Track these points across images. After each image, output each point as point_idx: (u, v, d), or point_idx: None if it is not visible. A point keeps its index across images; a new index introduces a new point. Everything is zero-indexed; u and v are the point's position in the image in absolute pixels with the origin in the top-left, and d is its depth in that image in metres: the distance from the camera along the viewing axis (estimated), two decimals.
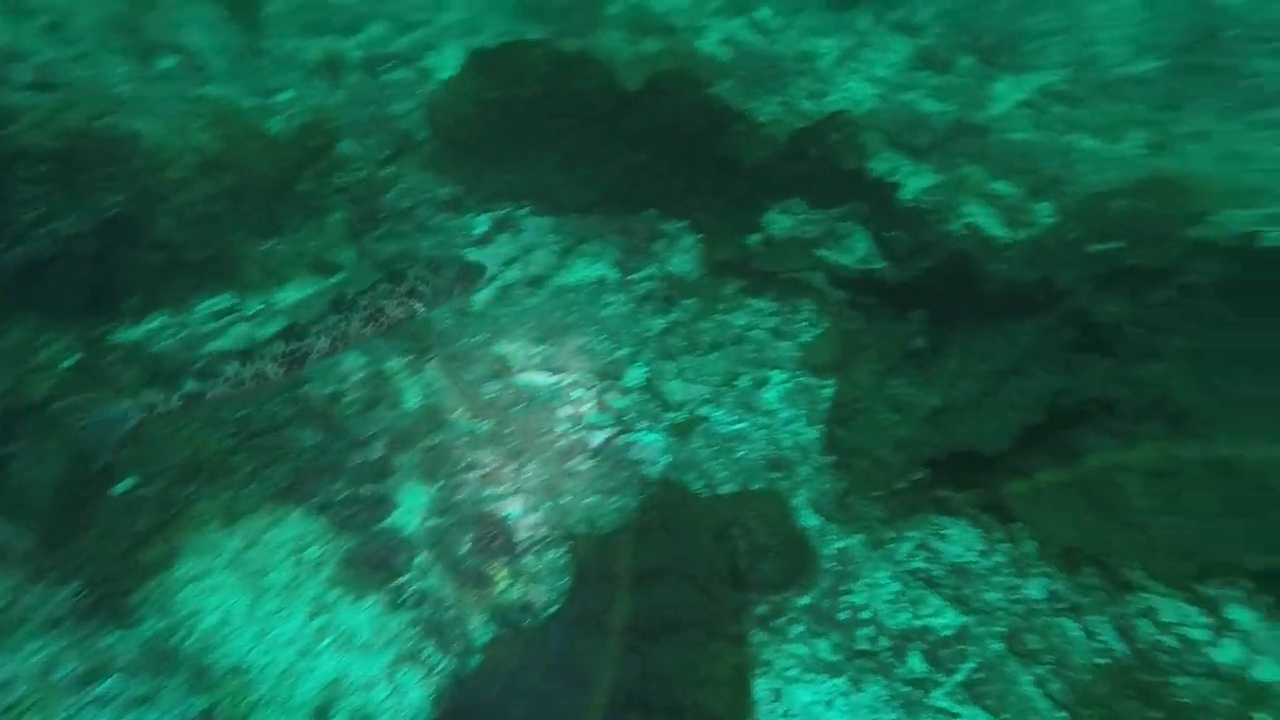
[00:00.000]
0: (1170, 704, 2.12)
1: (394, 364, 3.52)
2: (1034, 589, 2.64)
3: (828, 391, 3.49)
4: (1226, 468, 2.69)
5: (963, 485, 2.96)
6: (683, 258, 4.14)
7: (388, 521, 2.96)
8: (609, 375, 3.51)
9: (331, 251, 3.91)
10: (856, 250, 4.38)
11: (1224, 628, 2.35)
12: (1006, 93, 5.18)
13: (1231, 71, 4.42)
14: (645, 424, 3.34)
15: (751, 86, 5.54)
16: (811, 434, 3.36)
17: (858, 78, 5.67)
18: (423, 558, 2.87)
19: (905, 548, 2.89)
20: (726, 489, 3.09)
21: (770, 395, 3.54)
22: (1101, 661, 2.37)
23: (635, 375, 3.55)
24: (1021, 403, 3.08)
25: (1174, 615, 2.42)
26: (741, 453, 3.29)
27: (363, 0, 6.11)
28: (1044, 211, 4.51)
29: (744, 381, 3.60)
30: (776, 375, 3.63)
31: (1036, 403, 3.05)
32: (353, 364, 3.38)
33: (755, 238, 4.34)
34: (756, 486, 3.12)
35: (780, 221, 4.47)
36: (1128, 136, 4.49)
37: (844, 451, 3.26)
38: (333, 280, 3.85)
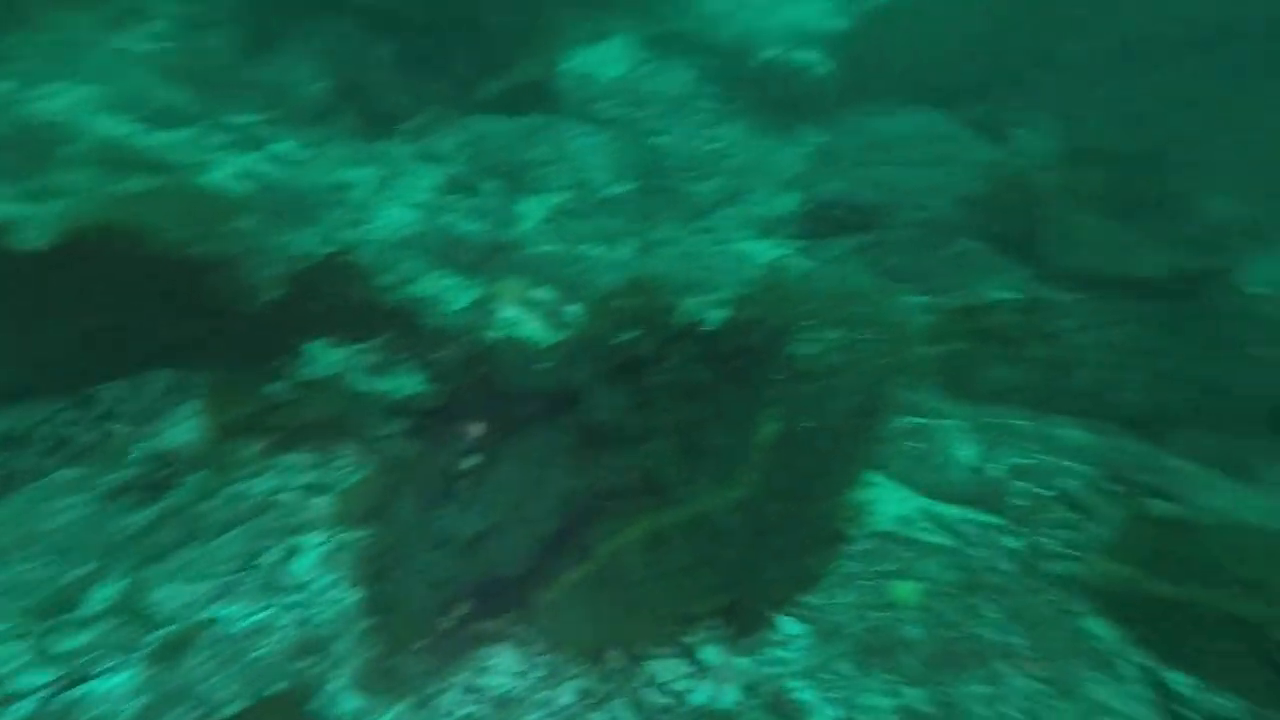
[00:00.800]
0: None
1: None
2: (567, 694, 2.69)
3: (369, 543, 3.22)
4: (698, 522, 3.18)
5: (500, 610, 2.95)
6: (181, 428, 3.50)
7: None
8: (54, 610, 2.68)
9: None
10: (403, 377, 4.28)
11: (700, 671, 2.69)
12: (530, 211, 5.82)
13: (675, 192, 5.73)
14: (112, 660, 2.60)
15: (278, 221, 5.20)
16: (351, 598, 3.03)
17: (397, 204, 5.78)
18: None
19: (452, 696, 2.72)
20: (232, 709, 2.55)
21: (301, 566, 3.12)
22: None
23: (100, 597, 2.78)
24: (544, 512, 3.25)
25: (669, 674, 2.69)
26: (261, 650, 2.78)
27: None
28: (573, 313, 5.07)
29: (269, 557, 3.12)
30: (310, 540, 3.23)
31: (557, 507, 3.25)
32: None
33: (282, 385, 3.93)
34: (276, 689, 2.64)
35: (316, 362, 4.15)
36: (621, 244, 5.40)
37: (384, 609, 3.01)
38: None
